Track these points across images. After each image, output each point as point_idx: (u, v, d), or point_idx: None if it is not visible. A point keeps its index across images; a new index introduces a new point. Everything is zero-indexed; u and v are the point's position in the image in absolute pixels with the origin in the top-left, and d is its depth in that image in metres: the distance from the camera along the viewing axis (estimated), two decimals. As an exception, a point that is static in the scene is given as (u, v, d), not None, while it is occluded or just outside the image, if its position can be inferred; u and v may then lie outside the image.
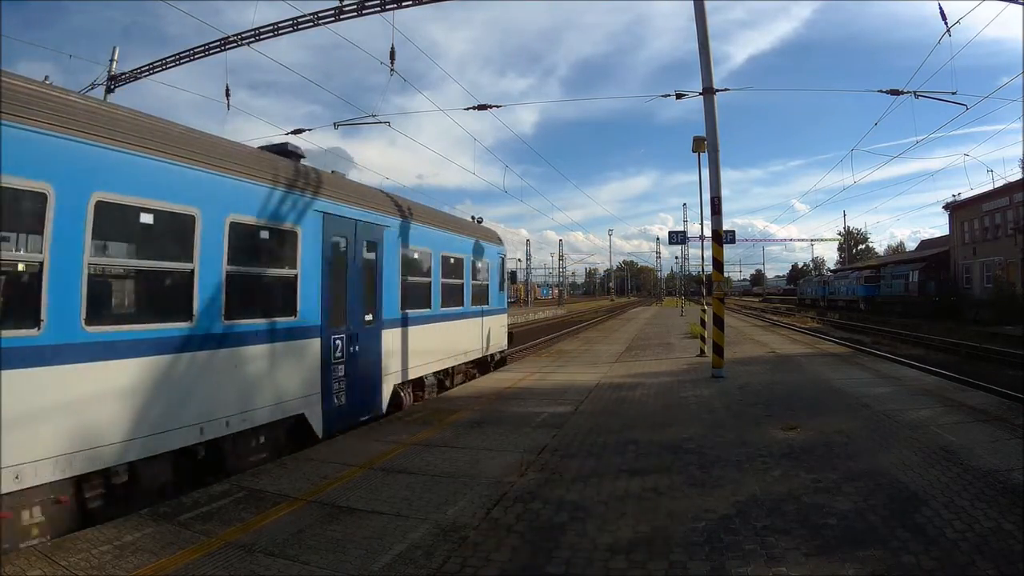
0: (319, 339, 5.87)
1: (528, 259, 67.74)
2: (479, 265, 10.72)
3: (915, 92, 10.61)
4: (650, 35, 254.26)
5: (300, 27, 12.75)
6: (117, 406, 3.86)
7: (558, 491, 3.99)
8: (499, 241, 12.17)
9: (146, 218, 4.15)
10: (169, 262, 4.41)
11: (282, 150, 6.33)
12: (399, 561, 2.99)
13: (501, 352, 12.20)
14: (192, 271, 4.45)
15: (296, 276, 5.59)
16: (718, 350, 8.99)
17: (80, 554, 3.10)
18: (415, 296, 8.04)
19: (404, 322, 7.66)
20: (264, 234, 5.30)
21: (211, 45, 13.99)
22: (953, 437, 4.92)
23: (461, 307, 9.81)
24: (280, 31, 12.97)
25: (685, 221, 35.65)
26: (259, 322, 5.16)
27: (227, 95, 14.39)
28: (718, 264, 9.12)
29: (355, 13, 12.15)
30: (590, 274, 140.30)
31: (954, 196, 34.93)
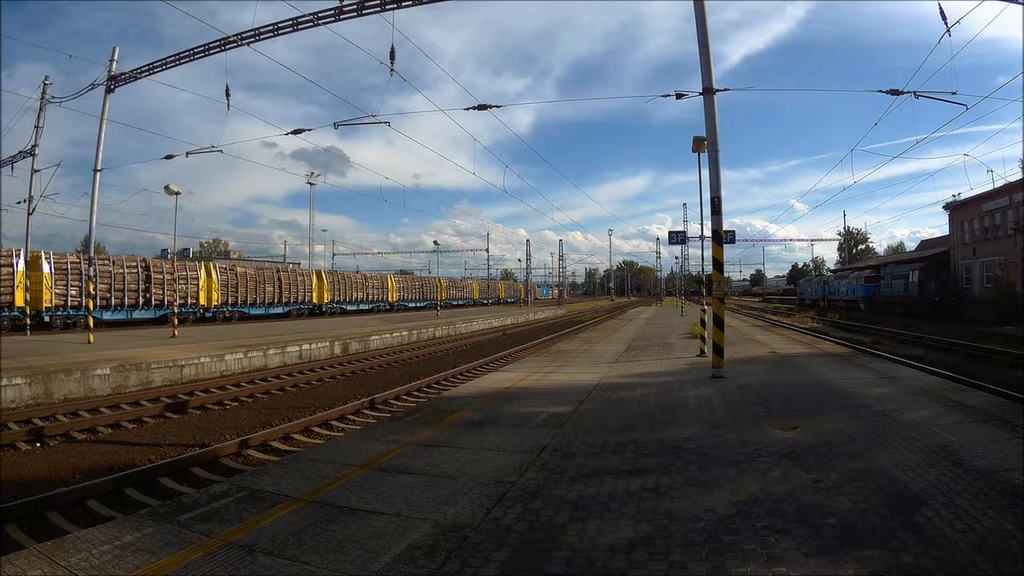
0: None
1: (528, 259, 67.69)
2: None
3: (915, 92, 10.63)
4: (645, 36, 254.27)
5: (300, 27, 12.78)
6: None
7: (558, 491, 3.99)
8: None
9: None
10: None
11: None
12: (399, 561, 2.99)
13: None
14: None
15: None
16: (718, 350, 8.99)
17: (80, 554, 3.10)
18: None
19: None
20: None
21: (211, 45, 14.03)
22: (953, 437, 4.91)
23: None
24: (280, 31, 13.00)
25: (685, 221, 35.73)
26: None
27: (227, 95, 14.42)
28: (718, 264, 9.10)
29: (355, 13, 12.17)
30: (590, 274, 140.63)
31: (954, 196, 35.11)
